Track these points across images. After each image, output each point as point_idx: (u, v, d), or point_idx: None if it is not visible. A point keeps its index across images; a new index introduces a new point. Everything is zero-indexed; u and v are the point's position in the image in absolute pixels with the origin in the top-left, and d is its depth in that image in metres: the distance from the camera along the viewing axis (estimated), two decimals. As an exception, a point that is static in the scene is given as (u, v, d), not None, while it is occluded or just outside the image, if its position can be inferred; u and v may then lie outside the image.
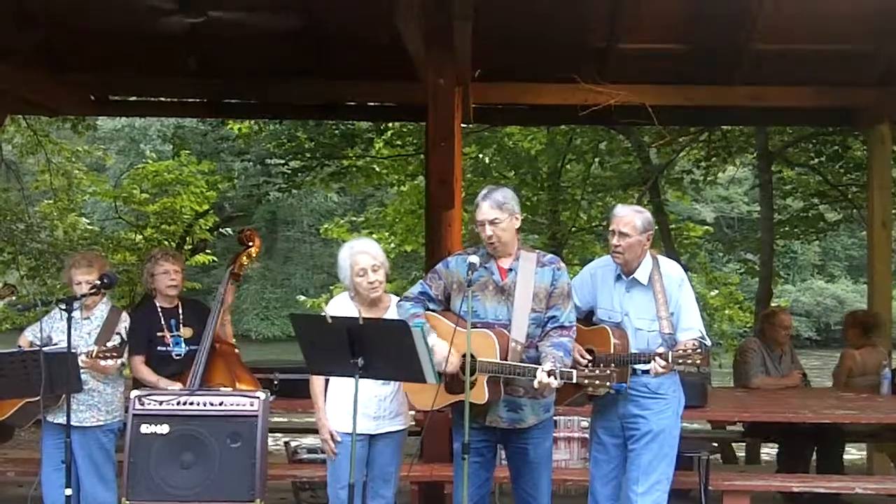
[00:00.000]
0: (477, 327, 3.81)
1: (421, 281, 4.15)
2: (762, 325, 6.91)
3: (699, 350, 3.84)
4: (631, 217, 4.09)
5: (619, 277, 4.18)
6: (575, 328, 3.99)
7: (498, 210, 3.89)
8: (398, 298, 4.17)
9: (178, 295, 4.91)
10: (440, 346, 3.83)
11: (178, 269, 4.88)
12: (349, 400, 3.87)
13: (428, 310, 4.02)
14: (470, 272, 3.78)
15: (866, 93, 7.10)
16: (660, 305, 4.05)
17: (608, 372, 3.66)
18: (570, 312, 3.96)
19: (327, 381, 4.18)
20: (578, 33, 6.67)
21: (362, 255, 4.13)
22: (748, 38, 6.61)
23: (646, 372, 4.03)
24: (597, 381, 3.66)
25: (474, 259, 3.83)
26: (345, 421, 4.03)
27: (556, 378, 3.63)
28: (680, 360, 3.84)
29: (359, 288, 4.14)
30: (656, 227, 11.31)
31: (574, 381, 3.65)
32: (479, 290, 3.90)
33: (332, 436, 4.10)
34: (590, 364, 3.91)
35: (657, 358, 3.88)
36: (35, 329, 4.72)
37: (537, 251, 4.07)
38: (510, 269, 3.94)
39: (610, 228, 4.14)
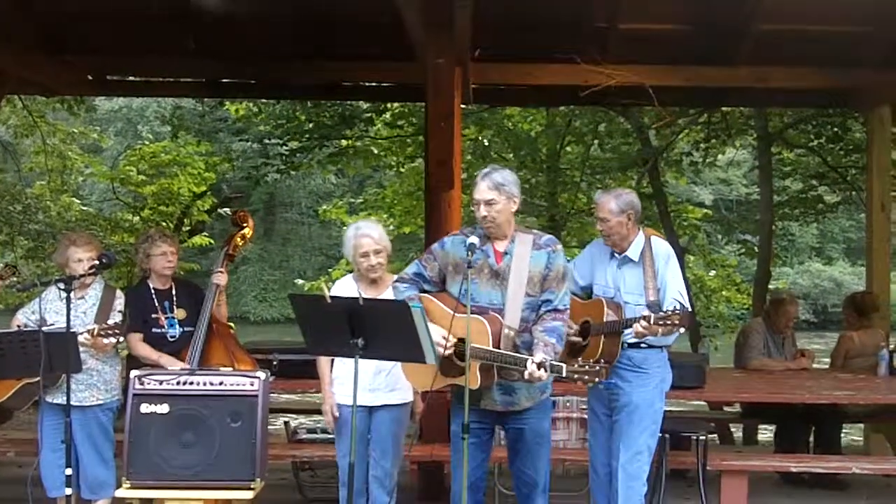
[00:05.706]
0: (472, 312, 3.76)
1: (416, 261, 4.12)
2: (769, 310, 6.89)
3: (678, 311, 3.91)
4: (606, 201, 4.29)
5: (613, 255, 4.36)
6: (569, 311, 3.99)
7: (495, 191, 3.86)
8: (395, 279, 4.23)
9: (171, 276, 4.90)
10: (434, 330, 3.79)
11: (174, 250, 4.85)
12: (348, 373, 3.98)
13: (423, 291, 4.01)
14: (470, 253, 3.73)
15: (867, 74, 7.06)
16: (648, 278, 4.22)
17: (597, 368, 3.67)
18: (564, 295, 3.93)
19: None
20: (579, 13, 6.63)
21: (365, 238, 4.22)
22: (749, 18, 6.57)
23: (632, 346, 4.17)
24: (586, 377, 3.67)
25: (474, 239, 3.78)
26: (343, 393, 4.20)
27: (545, 371, 3.63)
28: (660, 322, 3.93)
29: (359, 268, 4.28)
30: (646, 207, 11.29)
31: (563, 375, 3.66)
32: (475, 273, 3.85)
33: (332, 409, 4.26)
34: (580, 361, 3.90)
35: (641, 320, 3.98)
36: (27, 311, 4.70)
37: (534, 232, 4.02)
38: (505, 253, 3.91)
39: (595, 215, 4.38)
